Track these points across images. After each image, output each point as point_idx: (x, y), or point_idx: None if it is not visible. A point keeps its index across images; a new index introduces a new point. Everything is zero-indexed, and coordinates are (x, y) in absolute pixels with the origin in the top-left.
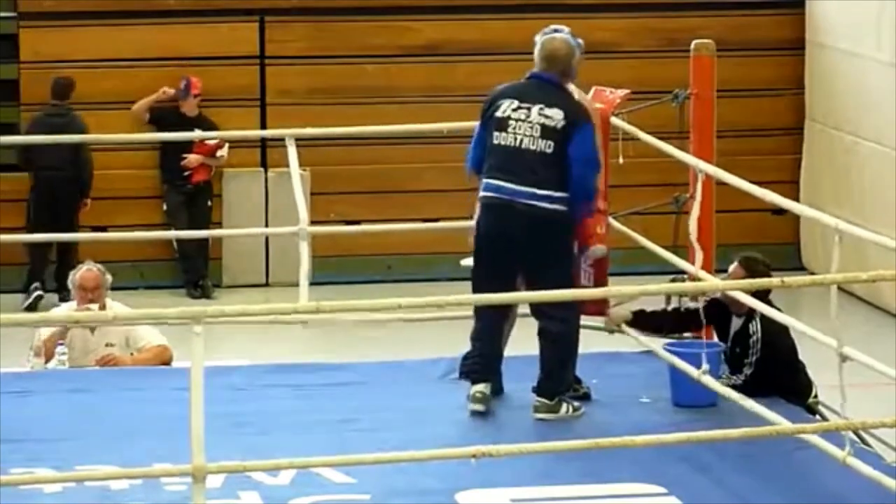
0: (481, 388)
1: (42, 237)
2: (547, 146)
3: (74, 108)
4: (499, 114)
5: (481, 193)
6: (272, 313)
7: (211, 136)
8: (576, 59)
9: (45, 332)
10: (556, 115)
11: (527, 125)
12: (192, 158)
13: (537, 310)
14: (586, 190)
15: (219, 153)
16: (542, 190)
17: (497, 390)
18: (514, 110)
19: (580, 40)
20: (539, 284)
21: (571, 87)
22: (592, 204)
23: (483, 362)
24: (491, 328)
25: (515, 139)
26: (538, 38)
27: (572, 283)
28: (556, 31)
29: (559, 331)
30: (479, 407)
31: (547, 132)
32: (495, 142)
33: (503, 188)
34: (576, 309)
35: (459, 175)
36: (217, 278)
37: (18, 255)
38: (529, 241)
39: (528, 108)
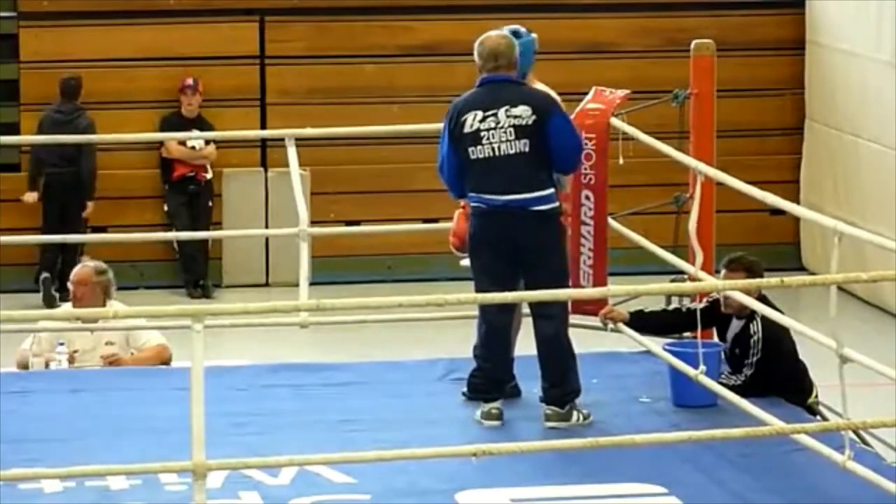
0: (496, 405)
1: (40, 238)
2: (524, 145)
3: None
4: (467, 129)
5: (471, 204)
6: (273, 311)
7: (209, 136)
8: (517, 49)
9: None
10: (525, 112)
11: (500, 131)
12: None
13: (530, 307)
14: (574, 167)
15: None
16: (529, 193)
17: (514, 394)
18: (482, 121)
19: (534, 35)
20: (535, 281)
21: (539, 85)
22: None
23: (492, 383)
24: (496, 347)
25: (492, 149)
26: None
27: (567, 277)
28: (515, 31)
29: (550, 331)
30: (496, 423)
31: (520, 131)
32: (472, 157)
33: (491, 200)
34: (565, 306)
35: None
36: (217, 278)
37: (19, 255)
38: (524, 241)
39: (495, 114)
